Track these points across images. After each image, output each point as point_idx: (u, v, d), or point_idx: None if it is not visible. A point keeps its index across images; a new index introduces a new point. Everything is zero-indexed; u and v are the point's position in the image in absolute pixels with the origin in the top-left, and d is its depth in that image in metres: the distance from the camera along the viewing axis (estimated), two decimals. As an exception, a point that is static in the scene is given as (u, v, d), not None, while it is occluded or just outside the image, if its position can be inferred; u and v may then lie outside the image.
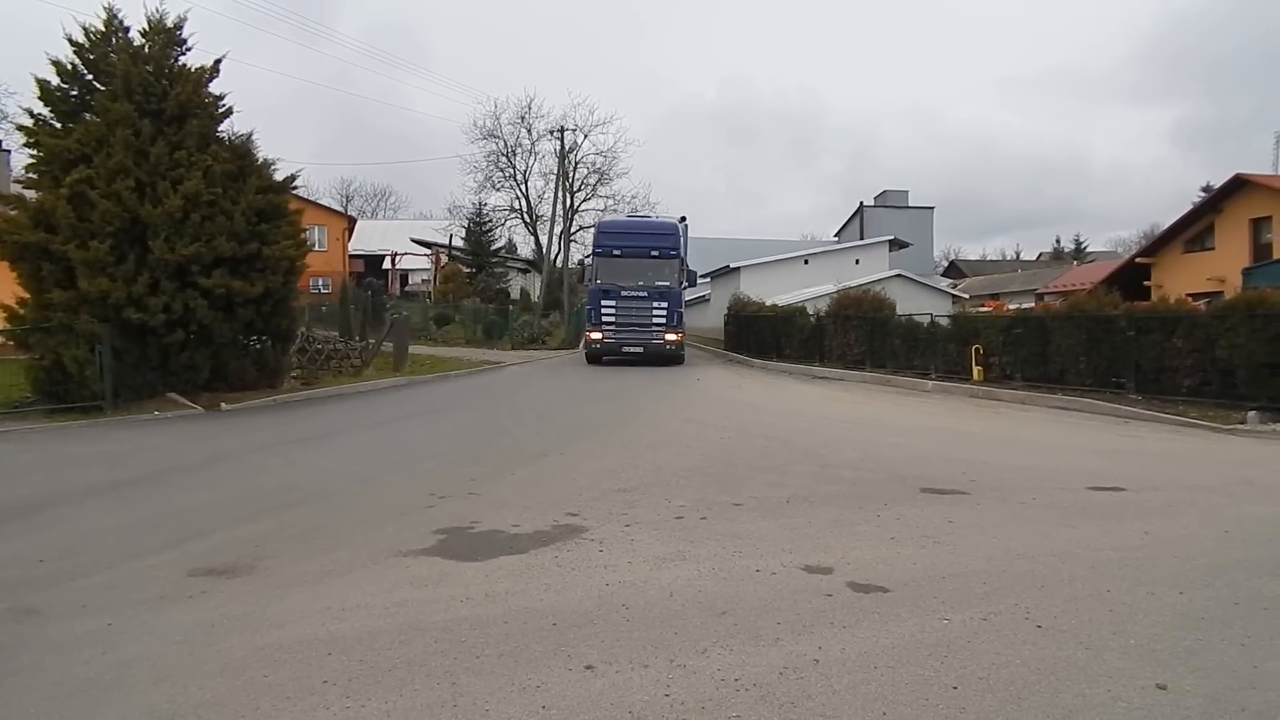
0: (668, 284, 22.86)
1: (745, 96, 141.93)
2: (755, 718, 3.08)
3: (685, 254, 25.18)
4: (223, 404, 14.32)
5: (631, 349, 22.78)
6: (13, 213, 14.13)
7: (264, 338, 16.24)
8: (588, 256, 25.01)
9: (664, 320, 22.74)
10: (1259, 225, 26.96)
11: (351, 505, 6.95)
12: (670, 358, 22.98)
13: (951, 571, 4.82)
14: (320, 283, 41.37)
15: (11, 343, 15.61)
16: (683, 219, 26.79)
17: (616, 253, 22.99)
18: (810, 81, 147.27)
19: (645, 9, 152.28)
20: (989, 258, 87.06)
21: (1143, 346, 13.25)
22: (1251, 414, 11.12)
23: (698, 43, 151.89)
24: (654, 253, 23.03)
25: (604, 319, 22.87)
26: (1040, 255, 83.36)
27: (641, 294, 22.62)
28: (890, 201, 59.36)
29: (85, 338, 13.30)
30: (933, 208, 61.25)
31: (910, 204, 59.87)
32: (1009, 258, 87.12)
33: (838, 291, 23.72)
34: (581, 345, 25.81)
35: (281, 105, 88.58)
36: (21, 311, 14.03)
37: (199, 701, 3.26)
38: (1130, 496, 6.90)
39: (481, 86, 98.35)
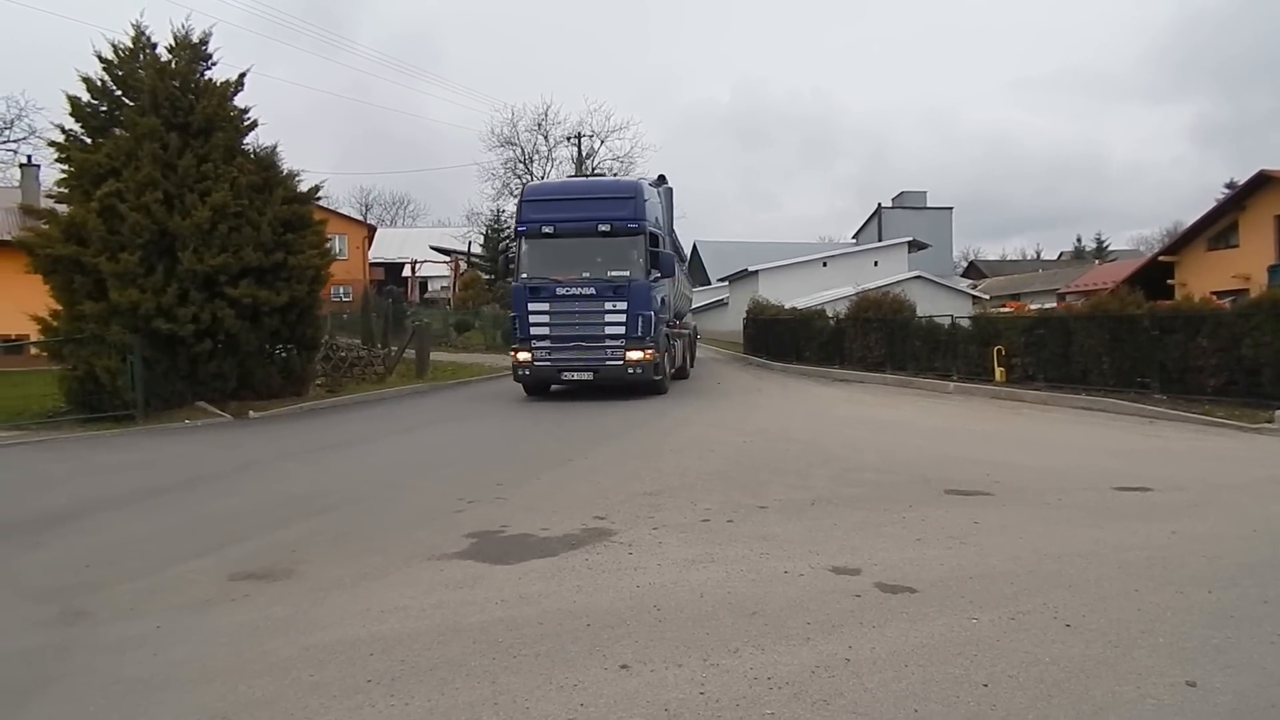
0: (627, 274, 15.59)
1: (759, 100, 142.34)
2: (789, 714, 3.15)
3: (667, 229, 18.56)
4: (250, 412, 14.54)
5: (575, 374, 15.97)
6: (45, 227, 14.45)
7: (290, 346, 16.47)
8: (510, 239, 16.42)
9: (622, 330, 15.53)
10: (1284, 222, 26.67)
11: (382, 510, 7.08)
12: (637, 384, 15.94)
13: (978, 572, 4.86)
14: (341, 291, 41.81)
15: (45, 354, 15.94)
16: (660, 179, 19.61)
17: (549, 230, 15.85)
18: (824, 84, 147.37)
19: (658, 14, 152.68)
20: (1009, 257, 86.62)
21: (1167, 346, 13.15)
22: (1278, 413, 11.02)
23: (711, 47, 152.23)
24: (604, 228, 15.62)
25: (534, 331, 15.81)
26: (1061, 254, 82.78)
27: (587, 291, 15.64)
28: (908, 202, 59.19)
29: (117, 348, 13.56)
30: (951, 208, 61.03)
31: (928, 204, 59.64)
32: (1029, 257, 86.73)
33: (857, 294, 23.69)
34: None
35: (300, 116, 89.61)
36: (54, 323, 14.35)
37: (249, 700, 3.38)
38: (1156, 497, 6.89)
39: (497, 94, 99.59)
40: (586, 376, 15.83)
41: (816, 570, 4.93)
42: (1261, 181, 27.29)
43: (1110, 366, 14.01)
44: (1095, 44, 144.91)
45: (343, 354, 20.47)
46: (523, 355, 15.97)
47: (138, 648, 4.00)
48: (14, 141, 40.77)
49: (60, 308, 14.39)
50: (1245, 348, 11.95)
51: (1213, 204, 30.75)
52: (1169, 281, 29.66)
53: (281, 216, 15.32)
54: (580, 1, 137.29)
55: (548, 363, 15.91)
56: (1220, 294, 23.29)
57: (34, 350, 17.59)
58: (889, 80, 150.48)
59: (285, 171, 16.15)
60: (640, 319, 15.58)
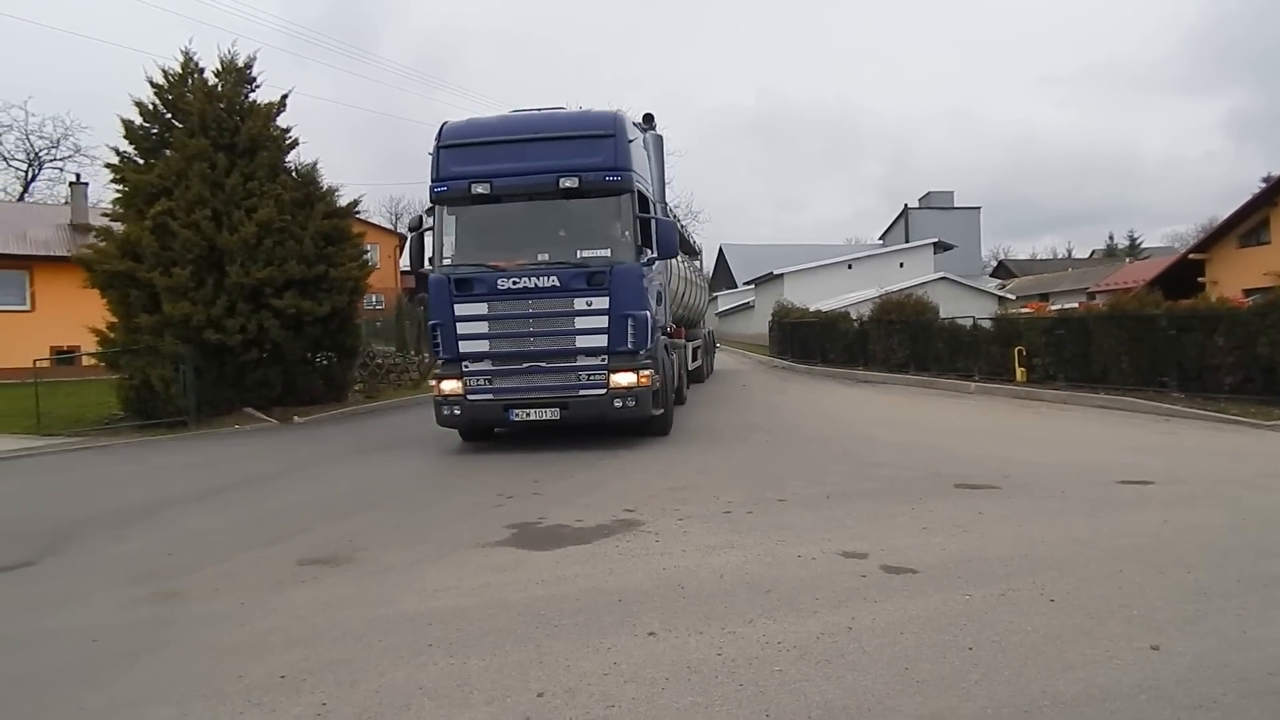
0: (608, 253, 10.26)
1: (783, 103, 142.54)
2: (796, 671, 3.63)
3: (659, 193, 12.54)
4: (295, 417, 15.26)
5: (531, 411, 10.46)
6: (102, 244, 15.32)
7: (330, 354, 17.22)
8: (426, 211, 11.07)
9: (603, 341, 10.26)
10: (1315, 219, 26.50)
11: (427, 505, 7.67)
12: (630, 421, 10.64)
13: (977, 556, 5.29)
14: (374, 299, 42.78)
15: (97, 364, 16.87)
16: (647, 119, 13.13)
17: (482, 189, 10.26)
18: (847, 86, 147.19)
19: (679, 20, 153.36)
20: (1039, 256, 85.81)
21: (1184, 345, 13.36)
22: (1293, 409, 11.23)
23: (733, 53, 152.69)
24: (569, 182, 10.10)
25: (465, 348, 10.44)
26: (1093, 253, 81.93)
27: (546, 281, 10.15)
28: (935, 203, 59.19)
29: (170, 358, 14.37)
30: (979, 208, 61.05)
31: (956, 204, 59.55)
32: (1060, 256, 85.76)
33: (880, 296, 24.00)
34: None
35: (329, 128, 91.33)
36: (111, 335, 15.21)
37: (330, 660, 3.93)
38: (1156, 489, 7.23)
39: (519, 100, 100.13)
40: (550, 414, 10.44)
41: (827, 555, 5.39)
42: (1291, 177, 27.12)
43: (1129, 366, 14.23)
44: (1122, 38, 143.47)
45: (379, 361, 21.22)
46: (449, 385, 10.51)
47: (227, 620, 4.58)
48: (60, 159, 42.38)
49: (116, 320, 15.24)
50: (1261, 346, 12.14)
51: (1245, 200, 30.53)
52: (1200, 279, 29.50)
53: (322, 230, 16.05)
54: (601, 9, 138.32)
55: (488, 395, 10.52)
56: (1251, 292, 23.23)
57: (85, 361, 18.54)
58: (913, 80, 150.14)
59: (325, 187, 16.90)
60: (631, 323, 10.21)
